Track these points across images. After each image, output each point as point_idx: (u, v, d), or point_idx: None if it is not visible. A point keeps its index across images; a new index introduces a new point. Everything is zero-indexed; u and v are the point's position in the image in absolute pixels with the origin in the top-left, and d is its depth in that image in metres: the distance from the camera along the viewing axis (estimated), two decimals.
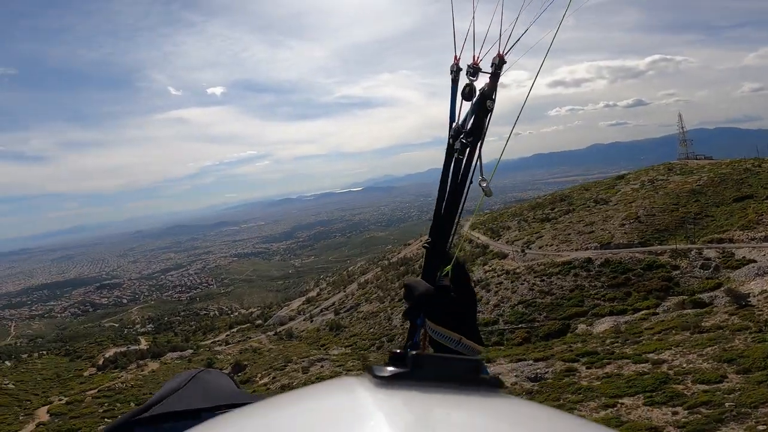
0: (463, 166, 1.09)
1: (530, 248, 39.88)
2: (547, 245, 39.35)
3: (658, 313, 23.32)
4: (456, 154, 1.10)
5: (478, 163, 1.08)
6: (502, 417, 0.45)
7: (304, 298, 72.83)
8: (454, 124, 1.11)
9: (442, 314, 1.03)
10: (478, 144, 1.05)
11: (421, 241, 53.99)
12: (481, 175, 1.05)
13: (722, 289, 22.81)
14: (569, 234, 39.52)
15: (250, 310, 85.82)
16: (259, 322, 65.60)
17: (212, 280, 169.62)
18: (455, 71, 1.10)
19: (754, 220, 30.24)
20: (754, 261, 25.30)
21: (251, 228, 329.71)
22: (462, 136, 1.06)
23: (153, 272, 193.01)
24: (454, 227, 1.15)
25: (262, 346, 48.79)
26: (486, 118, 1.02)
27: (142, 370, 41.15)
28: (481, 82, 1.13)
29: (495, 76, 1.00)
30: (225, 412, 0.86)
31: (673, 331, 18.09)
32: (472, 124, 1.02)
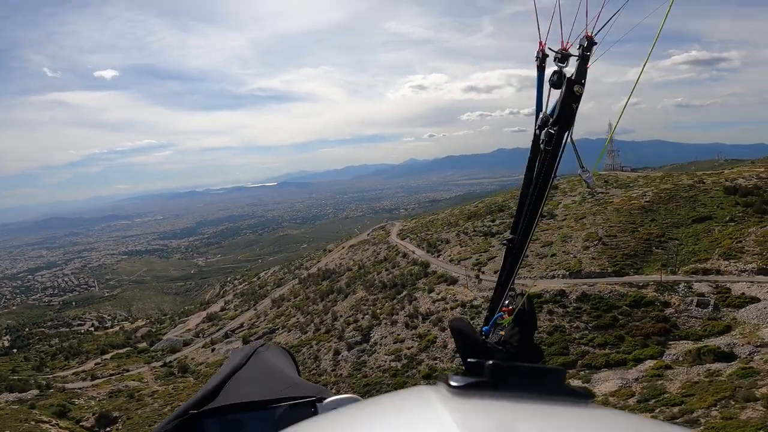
0: (548, 157, 1.01)
1: (482, 272, 34.22)
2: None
3: (672, 367, 18.75)
4: (543, 146, 1.02)
5: (574, 152, 1.01)
6: (591, 429, 0.42)
7: (204, 314, 61.06)
8: (541, 114, 1.04)
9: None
10: (566, 133, 0.98)
11: (343, 247, 45.90)
12: (582, 165, 0.97)
13: (764, 340, 18.91)
14: (527, 256, 34.32)
15: (135, 325, 71.15)
16: (144, 345, 52.88)
17: (94, 282, 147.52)
18: (540, 58, 1.04)
19: (736, 249, 27.43)
20: (757, 299, 22.81)
21: (146, 222, 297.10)
22: (549, 123, 1.00)
23: (18, 272, 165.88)
24: (534, 226, 1.09)
25: (142, 387, 37.59)
26: (575, 104, 0.96)
27: None
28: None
29: (584, 59, 0.94)
30: (289, 403, 1.02)
31: (733, 403, 13.16)
32: (560, 111, 0.96)
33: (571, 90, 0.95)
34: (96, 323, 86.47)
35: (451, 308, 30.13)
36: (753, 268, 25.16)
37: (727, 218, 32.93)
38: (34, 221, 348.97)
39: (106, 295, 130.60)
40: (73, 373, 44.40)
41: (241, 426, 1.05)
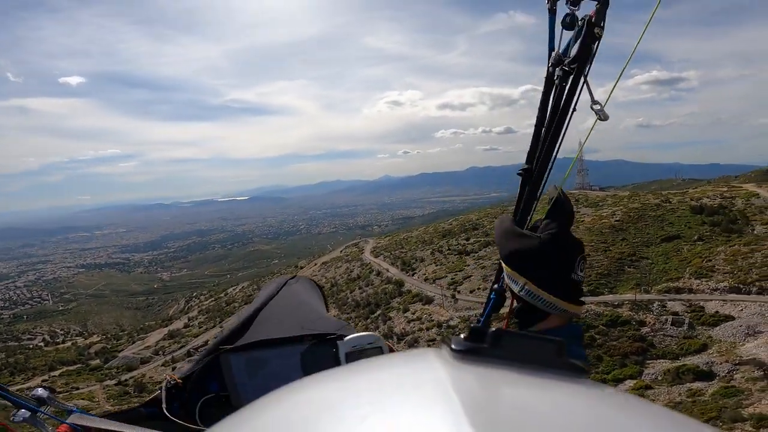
0: (566, 93, 1.08)
1: (458, 291, 33.65)
2: (479, 288, 33.54)
3: (652, 387, 18.61)
4: (557, 82, 1.09)
5: (587, 88, 1.06)
6: (579, 403, 0.42)
7: (166, 331, 57.95)
8: (553, 53, 1.09)
9: (516, 258, 0.96)
10: (585, 70, 1.04)
11: (315, 264, 44.62)
12: (593, 99, 1.02)
13: (742, 358, 18.99)
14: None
15: (89, 341, 66.84)
16: (97, 362, 49.37)
17: (48, 295, 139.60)
18: (551, 0, 1.09)
19: (706, 267, 27.91)
20: (732, 317, 23.06)
21: (107, 235, 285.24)
22: (566, 63, 1.06)
23: None
24: (553, 158, 1.12)
25: (92, 407, 34.60)
26: (594, 44, 1.02)
27: None
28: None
29: (604, 3, 1.01)
30: (311, 342, 1.10)
31: (721, 424, 12.99)
32: (578, 50, 1.02)
33: (591, 31, 1.00)
34: (48, 338, 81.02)
35: (427, 328, 29.32)
36: (725, 286, 25.59)
37: (696, 237, 33.76)
38: None
39: (60, 309, 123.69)
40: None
41: (265, 363, 1.11)
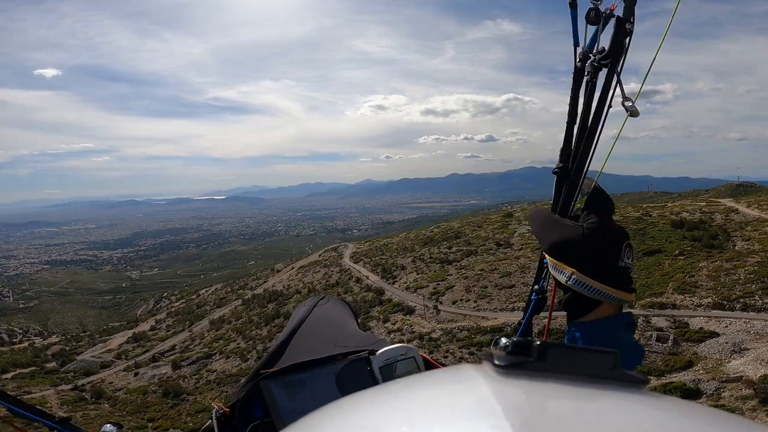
0: (601, 90, 1.06)
1: (441, 302, 32.62)
2: (461, 299, 32.55)
3: None
4: (587, 77, 1.07)
5: (619, 85, 1.04)
6: (638, 415, 0.39)
7: (131, 333, 55.07)
8: (579, 49, 1.08)
9: (561, 248, 0.92)
10: (619, 65, 1.03)
11: (293, 268, 43.00)
12: (624, 96, 1.01)
13: (729, 375, 18.66)
14: (486, 287, 33.34)
15: (47, 341, 63.16)
16: (53, 365, 46.32)
17: (9, 292, 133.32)
18: None
19: (689, 283, 27.67)
20: (717, 334, 22.62)
21: (76, 231, 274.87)
22: (598, 57, 1.03)
23: None
24: (592, 153, 1.08)
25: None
26: (626, 39, 1.01)
27: None
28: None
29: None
30: (346, 360, 1.15)
31: None
32: (611, 46, 1.01)
33: (623, 27, 1.00)
34: (5, 337, 76.45)
35: (408, 340, 28.04)
36: (709, 302, 25.32)
37: (677, 252, 33.66)
38: None
39: (21, 306, 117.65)
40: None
41: (303, 385, 1.15)
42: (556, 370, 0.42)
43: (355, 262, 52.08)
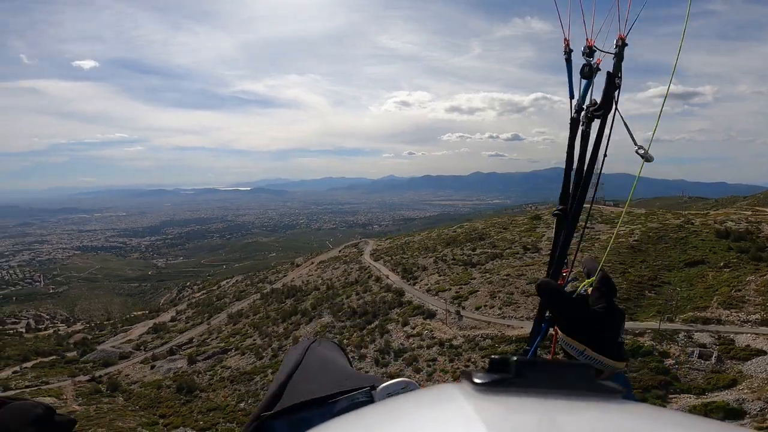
0: (594, 139, 1.16)
1: (463, 307, 31.06)
2: (485, 305, 30.88)
3: None
4: (582, 128, 1.17)
5: (628, 133, 1.12)
6: (622, 424, 0.40)
7: (151, 323, 55.50)
8: (574, 101, 1.18)
9: (572, 323, 1.04)
10: (610, 116, 1.11)
11: (313, 263, 42.19)
12: (635, 143, 1.08)
13: (756, 393, 16.92)
14: (512, 293, 31.56)
15: (71, 329, 64.47)
16: (74, 354, 46.92)
17: (40, 277, 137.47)
18: (568, 52, 1.18)
19: (736, 297, 25.41)
20: (764, 352, 20.95)
21: (107, 218, 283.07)
22: (592, 109, 1.13)
23: None
24: (589, 196, 1.18)
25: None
26: (615, 92, 1.10)
27: None
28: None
29: (620, 57, 1.10)
30: (347, 396, 1.14)
31: None
32: (602, 99, 1.10)
33: (612, 81, 1.07)
34: (32, 323, 78.75)
35: (428, 346, 26.80)
36: (756, 319, 23.34)
37: (722, 264, 31.19)
38: None
39: (51, 291, 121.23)
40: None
41: (308, 424, 1.07)
42: (535, 386, 0.43)
43: (375, 260, 50.93)
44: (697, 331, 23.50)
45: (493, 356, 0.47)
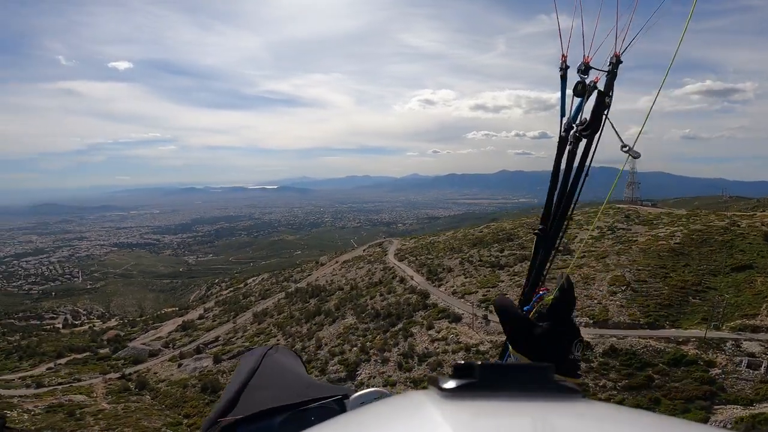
0: (579, 156, 1.14)
1: (490, 311, 29.97)
2: None
3: None
4: (569, 147, 1.15)
5: (615, 132, 1.10)
6: (580, 421, 0.42)
7: (180, 321, 56.52)
8: (564, 119, 1.15)
9: (514, 339, 1.06)
10: (596, 135, 1.10)
11: (337, 262, 41.69)
12: (622, 142, 1.06)
13: None
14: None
15: (105, 325, 66.43)
16: (106, 351, 48.11)
17: (78, 272, 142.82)
18: (564, 69, 1.15)
19: None
20: None
21: (142, 215, 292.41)
22: (580, 129, 1.11)
23: (4, 256, 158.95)
24: (569, 216, 1.17)
25: (88, 403, 32.90)
26: (604, 112, 1.08)
27: None
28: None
29: (612, 75, 1.06)
30: (318, 404, 1.12)
31: None
32: (590, 118, 1.08)
33: (602, 100, 1.06)
34: (69, 318, 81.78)
35: (453, 351, 25.88)
36: None
37: None
38: (28, 206, 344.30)
39: (88, 287, 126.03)
40: (20, 378, 39.68)
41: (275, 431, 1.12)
42: (499, 389, 0.45)
43: (399, 260, 50.18)
44: (745, 340, 21.95)
45: (457, 362, 0.48)
